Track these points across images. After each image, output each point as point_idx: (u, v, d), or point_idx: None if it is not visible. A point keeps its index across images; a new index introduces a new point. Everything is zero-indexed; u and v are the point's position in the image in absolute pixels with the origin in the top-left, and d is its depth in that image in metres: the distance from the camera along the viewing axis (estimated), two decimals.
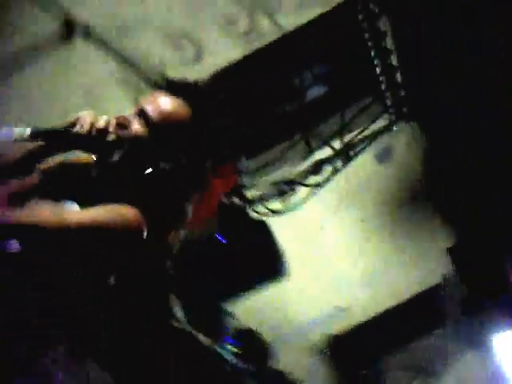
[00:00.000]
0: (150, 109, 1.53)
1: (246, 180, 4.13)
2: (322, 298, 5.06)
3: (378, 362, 5.52)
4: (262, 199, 4.18)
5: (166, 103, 1.54)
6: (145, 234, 1.44)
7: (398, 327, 5.37)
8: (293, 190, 4.17)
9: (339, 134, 4.16)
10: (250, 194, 4.21)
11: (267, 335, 4.79)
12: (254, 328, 4.77)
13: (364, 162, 4.31)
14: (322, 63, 3.98)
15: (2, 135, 1.40)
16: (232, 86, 3.77)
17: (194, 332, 3.96)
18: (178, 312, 3.84)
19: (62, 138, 1.44)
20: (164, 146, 1.53)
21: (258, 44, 3.74)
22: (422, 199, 4.80)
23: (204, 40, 3.62)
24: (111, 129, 1.49)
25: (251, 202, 4.19)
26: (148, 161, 1.53)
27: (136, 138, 1.51)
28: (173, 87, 1.56)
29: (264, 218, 4.21)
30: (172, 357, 3.70)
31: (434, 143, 4.45)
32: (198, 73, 3.63)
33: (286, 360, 4.97)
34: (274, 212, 4.15)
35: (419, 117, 4.17)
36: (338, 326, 5.37)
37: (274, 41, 3.77)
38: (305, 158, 4.18)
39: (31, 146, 1.46)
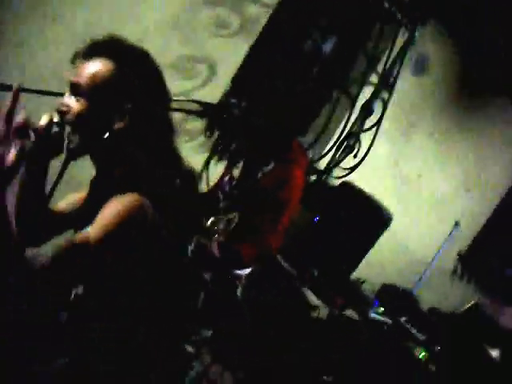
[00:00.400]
0: (76, 80, 1.53)
1: (312, 154, 4.14)
2: (433, 228, 5.03)
3: None
4: (335, 164, 4.18)
5: (87, 68, 1.53)
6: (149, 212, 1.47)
7: None
8: (356, 140, 4.17)
9: (370, 68, 4.16)
10: (321, 165, 4.23)
11: (402, 285, 4.77)
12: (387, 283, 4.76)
13: (404, 83, 4.29)
14: (323, 13, 3.98)
15: None
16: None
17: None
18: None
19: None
20: (107, 107, 1.53)
21: (256, 32, 3.79)
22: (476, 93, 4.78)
23: (207, 57, 3.67)
24: (55, 120, 1.52)
25: (327, 171, 4.19)
26: (101, 128, 1.53)
27: (78, 116, 1.51)
28: (94, 49, 1.56)
29: (346, 180, 4.21)
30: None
31: (461, 37, 4.42)
32: (215, 88, 3.68)
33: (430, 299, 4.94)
34: (351, 169, 4.15)
35: (435, 15, 4.14)
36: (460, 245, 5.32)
37: (268, 22, 3.82)
38: (351, 107, 4.17)
39: None
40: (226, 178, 2.99)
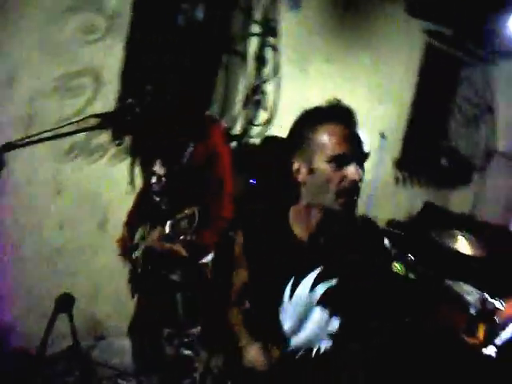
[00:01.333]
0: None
1: (225, 122, 4.08)
2: None
3: None
4: (248, 123, 4.14)
5: None
6: None
7: None
8: (261, 93, 4.12)
9: (248, 19, 4.09)
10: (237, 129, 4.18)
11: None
12: None
13: (286, 22, 4.25)
14: None
15: None
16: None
17: None
18: None
19: None
20: None
21: (125, 27, 3.64)
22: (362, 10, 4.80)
23: (87, 68, 3.51)
24: None
25: (245, 133, 4.15)
26: None
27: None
28: None
29: (268, 135, 4.19)
30: None
31: None
32: (107, 95, 3.55)
33: (384, 213, 5.02)
34: (267, 122, 4.12)
35: None
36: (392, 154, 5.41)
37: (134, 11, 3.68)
38: (245, 63, 4.11)
39: None
40: (153, 179, 2.91)
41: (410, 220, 5.73)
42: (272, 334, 1.90)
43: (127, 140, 3.63)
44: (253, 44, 4.14)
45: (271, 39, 4.11)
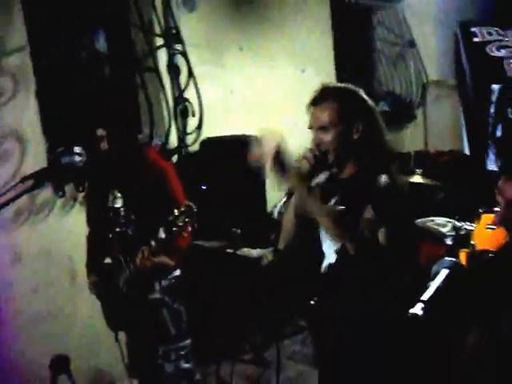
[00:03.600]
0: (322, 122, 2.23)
1: (159, 140, 4.09)
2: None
3: None
4: (182, 133, 4.16)
5: (323, 110, 2.22)
6: None
7: None
8: (184, 101, 4.15)
9: (148, 33, 4.09)
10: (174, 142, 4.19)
11: None
12: None
13: (187, 24, 4.25)
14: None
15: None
16: None
17: None
18: None
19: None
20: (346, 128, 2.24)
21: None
22: None
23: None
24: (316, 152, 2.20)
25: (182, 144, 4.17)
26: (346, 142, 2.24)
27: (331, 141, 2.21)
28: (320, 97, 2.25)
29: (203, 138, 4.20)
30: None
31: None
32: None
33: None
34: (198, 127, 4.14)
35: None
36: None
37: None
38: (159, 77, 4.11)
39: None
40: (111, 214, 2.97)
41: None
42: None
43: (69, 189, 3.62)
44: (162, 56, 4.14)
45: (178, 46, 4.11)
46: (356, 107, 2.22)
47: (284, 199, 2.17)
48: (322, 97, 2.22)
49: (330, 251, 2.25)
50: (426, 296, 1.15)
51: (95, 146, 2.94)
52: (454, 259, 1.82)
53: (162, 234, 2.64)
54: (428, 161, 5.27)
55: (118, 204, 2.96)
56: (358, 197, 2.12)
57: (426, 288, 1.23)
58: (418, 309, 1.11)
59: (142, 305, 2.96)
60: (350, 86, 2.28)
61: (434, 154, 5.70)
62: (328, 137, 2.18)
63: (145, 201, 2.87)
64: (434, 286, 1.17)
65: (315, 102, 2.24)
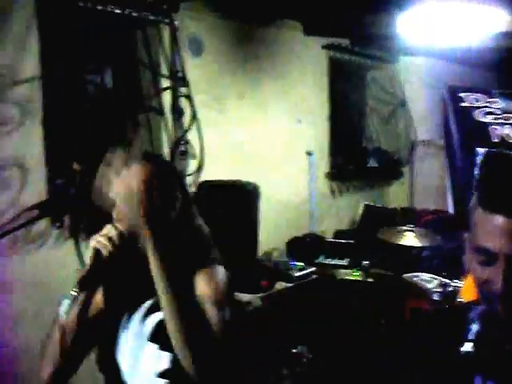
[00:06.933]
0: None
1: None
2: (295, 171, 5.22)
3: None
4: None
5: None
6: None
7: None
8: (185, 143, 4.20)
9: (156, 74, 4.18)
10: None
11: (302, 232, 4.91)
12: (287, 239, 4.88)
13: (192, 69, 4.34)
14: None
15: None
16: None
17: None
18: None
19: None
20: None
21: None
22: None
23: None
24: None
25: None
26: None
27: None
28: None
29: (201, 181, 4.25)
30: None
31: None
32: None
33: (329, 225, 5.17)
34: (198, 169, 4.19)
35: None
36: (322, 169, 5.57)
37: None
38: (163, 118, 4.18)
39: None
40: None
41: (354, 226, 5.89)
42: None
43: (66, 220, 3.61)
44: (167, 97, 4.22)
45: (183, 89, 4.19)
46: None
47: (74, 292, 1.60)
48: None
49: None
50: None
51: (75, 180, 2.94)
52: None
53: None
54: (413, 218, 5.39)
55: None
56: None
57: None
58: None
59: None
60: None
61: (420, 211, 5.83)
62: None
63: None
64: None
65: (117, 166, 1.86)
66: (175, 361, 1.59)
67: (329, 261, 4.78)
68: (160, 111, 4.15)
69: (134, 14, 3.91)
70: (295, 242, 4.97)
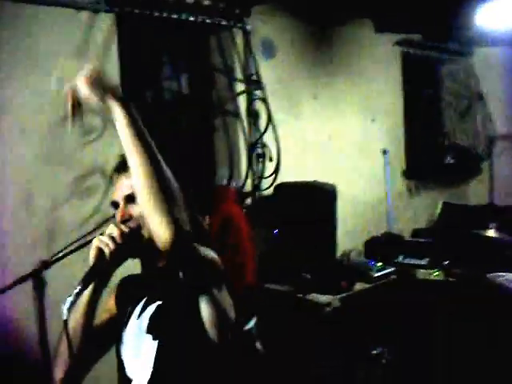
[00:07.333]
0: (130, 192, 1.70)
1: (235, 183, 4.16)
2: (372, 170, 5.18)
3: None
4: (258, 177, 4.22)
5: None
6: None
7: None
8: (262, 146, 4.23)
9: (232, 78, 4.21)
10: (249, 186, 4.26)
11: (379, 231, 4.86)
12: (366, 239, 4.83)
13: (266, 71, 4.35)
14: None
15: None
16: None
17: None
18: None
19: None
20: None
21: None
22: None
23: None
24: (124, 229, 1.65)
25: (256, 188, 4.23)
26: None
27: (140, 219, 1.68)
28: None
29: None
30: None
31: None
32: None
33: (407, 225, 5.09)
34: (275, 172, 4.22)
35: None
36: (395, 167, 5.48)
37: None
38: (240, 121, 4.21)
39: None
40: None
41: (433, 225, 5.76)
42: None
43: None
44: (243, 101, 4.25)
45: (258, 92, 4.22)
46: None
47: (77, 289, 1.56)
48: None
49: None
50: None
51: None
52: None
53: None
54: (500, 215, 5.22)
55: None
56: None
57: None
58: None
59: None
60: None
61: (506, 208, 5.63)
62: (138, 208, 1.67)
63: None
64: None
65: (121, 167, 1.75)
66: (161, 349, 1.63)
67: (408, 260, 4.68)
68: (236, 115, 4.19)
69: (208, 21, 3.97)
70: (373, 242, 4.91)
